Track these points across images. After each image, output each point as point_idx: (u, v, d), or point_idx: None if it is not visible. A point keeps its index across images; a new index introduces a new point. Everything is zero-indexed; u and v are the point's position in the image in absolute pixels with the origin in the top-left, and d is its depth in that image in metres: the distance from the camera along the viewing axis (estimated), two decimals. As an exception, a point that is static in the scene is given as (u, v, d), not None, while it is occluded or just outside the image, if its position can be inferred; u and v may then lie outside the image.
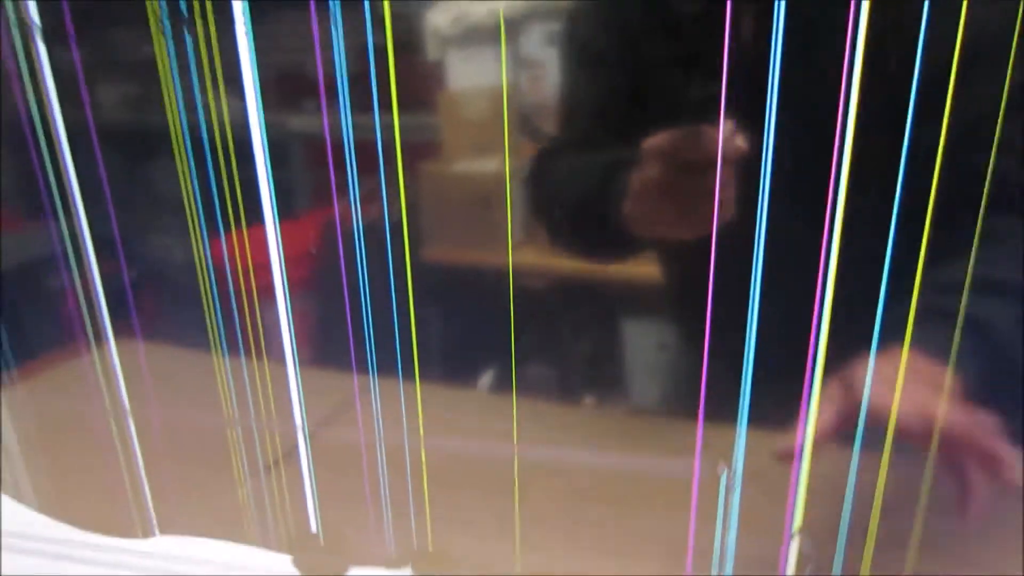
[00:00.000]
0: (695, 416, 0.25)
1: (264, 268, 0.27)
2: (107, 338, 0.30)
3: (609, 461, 0.27)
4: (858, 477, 0.24)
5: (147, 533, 0.34)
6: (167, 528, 0.34)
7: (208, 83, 0.25)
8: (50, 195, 0.28)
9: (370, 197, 0.25)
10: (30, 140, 0.27)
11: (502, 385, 0.26)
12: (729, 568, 0.27)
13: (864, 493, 0.24)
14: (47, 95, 0.27)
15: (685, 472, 0.26)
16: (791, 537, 0.26)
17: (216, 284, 0.28)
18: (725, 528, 0.26)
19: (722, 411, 0.25)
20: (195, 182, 0.26)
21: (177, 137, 0.26)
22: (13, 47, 0.26)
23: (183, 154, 0.26)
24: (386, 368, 0.27)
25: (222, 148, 0.25)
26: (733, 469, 0.25)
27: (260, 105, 0.25)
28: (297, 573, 0.32)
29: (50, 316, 0.31)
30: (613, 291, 0.25)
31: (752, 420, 0.24)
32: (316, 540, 0.31)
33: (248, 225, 0.27)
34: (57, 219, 0.29)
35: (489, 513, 0.29)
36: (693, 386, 0.24)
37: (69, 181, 0.28)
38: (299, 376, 0.29)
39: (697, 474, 0.26)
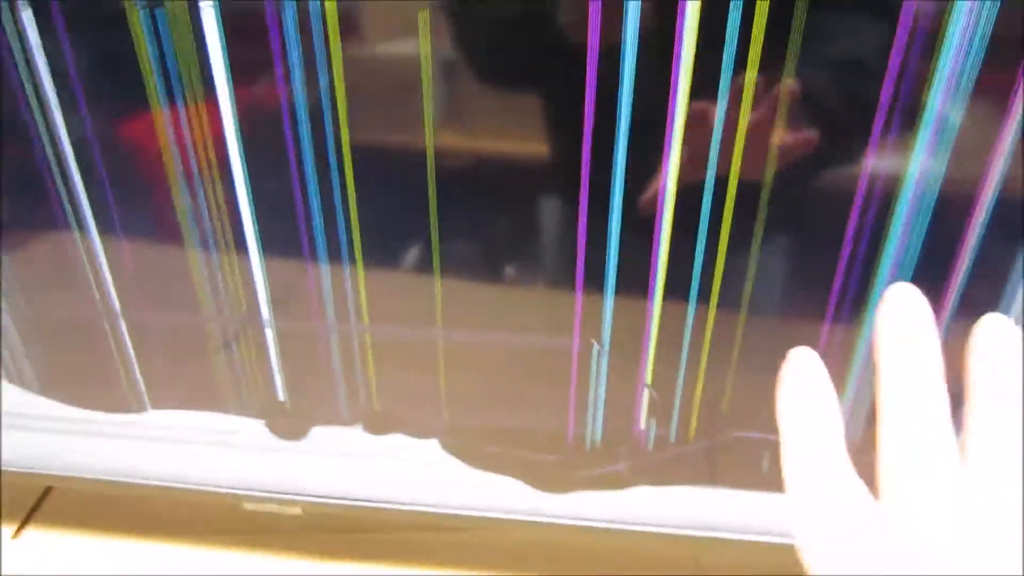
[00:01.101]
0: (574, 296, 0.33)
1: (220, 140, 0.32)
2: (83, 211, 0.35)
3: (512, 337, 0.35)
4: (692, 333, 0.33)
5: (141, 408, 0.41)
6: (157, 403, 0.41)
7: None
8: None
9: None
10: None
11: (426, 265, 0.34)
12: (600, 413, 0.36)
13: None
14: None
15: (567, 345, 0.35)
16: (644, 388, 0.35)
17: (179, 156, 0.32)
18: (597, 385, 0.35)
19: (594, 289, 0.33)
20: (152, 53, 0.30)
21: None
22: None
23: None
24: (332, 249, 0.34)
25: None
26: (602, 343, 0.34)
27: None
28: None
29: (28, 196, 0.35)
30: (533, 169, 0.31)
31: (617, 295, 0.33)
32: (284, 407, 0.39)
33: (204, 98, 0.31)
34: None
35: (420, 376, 0.37)
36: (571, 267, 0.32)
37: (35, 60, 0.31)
38: (261, 255, 0.35)
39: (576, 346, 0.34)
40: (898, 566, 0.18)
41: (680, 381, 0.34)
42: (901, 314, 0.21)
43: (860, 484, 0.20)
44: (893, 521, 0.19)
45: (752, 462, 0.36)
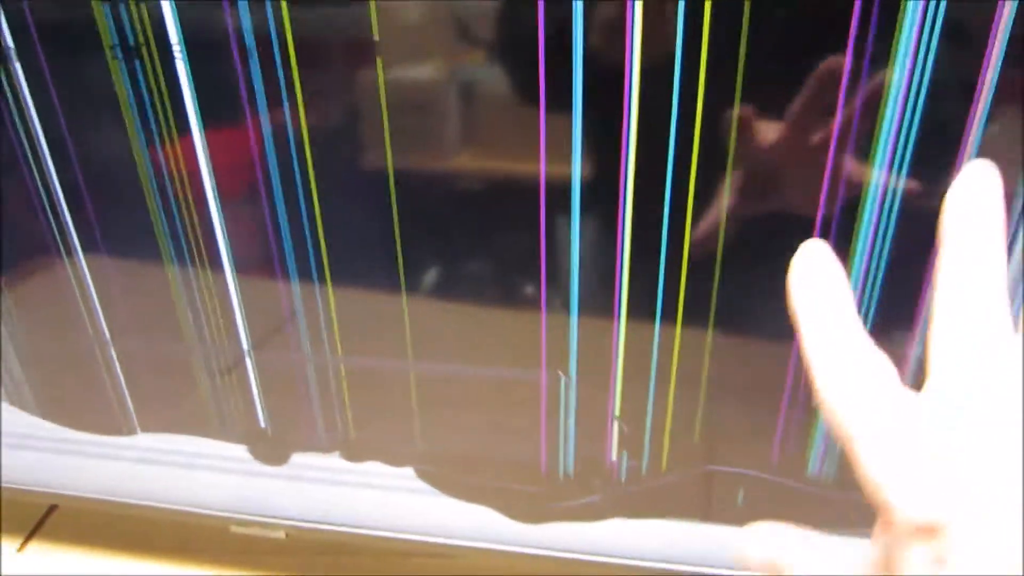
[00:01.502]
0: (539, 327, 0.33)
1: (196, 176, 0.33)
2: (75, 247, 0.36)
3: (481, 369, 0.35)
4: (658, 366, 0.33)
5: (131, 431, 0.42)
6: (147, 427, 0.42)
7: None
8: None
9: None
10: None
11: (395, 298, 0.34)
12: (571, 445, 0.36)
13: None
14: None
15: (536, 376, 0.34)
16: (613, 420, 0.35)
17: (159, 193, 0.33)
18: (566, 417, 0.35)
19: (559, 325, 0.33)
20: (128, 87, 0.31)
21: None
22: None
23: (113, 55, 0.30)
24: (304, 283, 0.34)
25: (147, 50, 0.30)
26: (569, 375, 0.34)
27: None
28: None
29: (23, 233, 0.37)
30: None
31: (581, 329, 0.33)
32: (265, 433, 0.40)
33: (180, 134, 0.32)
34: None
35: (394, 406, 0.38)
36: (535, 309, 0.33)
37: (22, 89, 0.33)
38: (239, 290, 0.36)
39: (544, 379, 0.34)
40: (935, 431, 0.18)
41: (649, 413, 0.34)
42: (971, 189, 0.20)
43: (883, 355, 0.19)
44: (935, 385, 0.19)
45: (728, 495, 0.36)
